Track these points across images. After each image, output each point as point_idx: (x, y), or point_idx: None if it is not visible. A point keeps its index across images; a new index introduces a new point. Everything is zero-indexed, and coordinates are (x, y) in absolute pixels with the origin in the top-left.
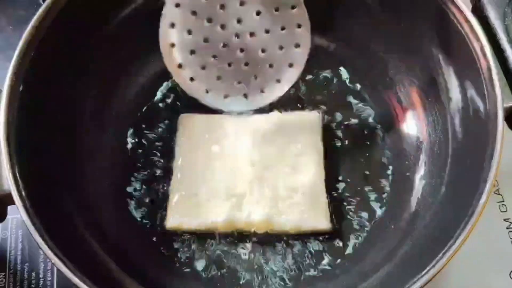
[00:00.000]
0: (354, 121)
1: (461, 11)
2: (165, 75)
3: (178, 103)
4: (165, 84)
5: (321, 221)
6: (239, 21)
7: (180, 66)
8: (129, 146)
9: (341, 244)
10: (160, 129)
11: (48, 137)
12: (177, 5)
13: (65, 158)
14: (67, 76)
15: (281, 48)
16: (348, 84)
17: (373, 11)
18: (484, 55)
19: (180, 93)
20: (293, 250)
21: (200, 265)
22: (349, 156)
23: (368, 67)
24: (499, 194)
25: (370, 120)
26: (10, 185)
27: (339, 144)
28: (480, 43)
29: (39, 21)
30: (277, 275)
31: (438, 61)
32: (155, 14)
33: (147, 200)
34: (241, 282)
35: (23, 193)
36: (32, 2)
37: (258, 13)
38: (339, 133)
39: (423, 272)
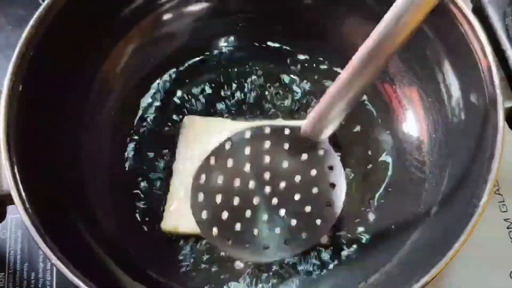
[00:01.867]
0: (353, 121)
1: (461, 11)
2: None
3: (186, 104)
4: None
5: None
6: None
7: (210, 224)
8: (131, 147)
9: (341, 244)
10: (166, 128)
11: (48, 137)
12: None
13: (65, 158)
14: (67, 76)
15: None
16: None
17: (372, 11)
18: (485, 55)
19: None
20: None
21: (202, 264)
22: (349, 156)
23: None
24: (499, 194)
25: (370, 120)
26: (9, 185)
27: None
28: (481, 43)
29: (39, 21)
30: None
31: (438, 61)
32: (157, 14)
33: (147, 200)
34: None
35: (23, 193)
36: (31, 1)
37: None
38: (339, 133)
39: (423, 273)
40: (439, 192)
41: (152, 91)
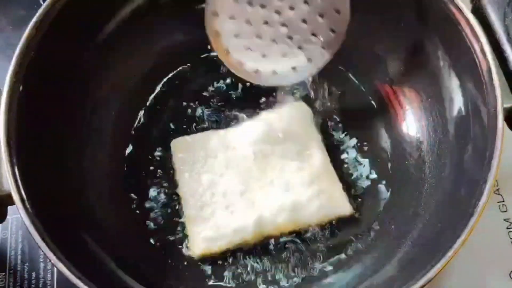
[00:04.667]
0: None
1: (461, 12)
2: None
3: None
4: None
5: (344, 207)
6: None
7: (227, 51)
8: (129, 148)
9: (341, 243)
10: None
11: (48, 137)
12: None
13: (65, 157)
14: (67, 77)
15: (321, 16)
16: None
17: (373, 12)
18: (484, 55)
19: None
20: (293, 251)
21: (208, 268)
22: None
23: (368, 67)
24: (499, 194)
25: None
26: (10, 185)
27: (337, 144)
28: (480, 43)
29: (40, 21)
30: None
31: (438, 61)
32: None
33: (148, 200)
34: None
35: (23, 193)
36: (32, 2)
37: None
38: (338, 132)
39: (423, 272)
40: (438, 192)
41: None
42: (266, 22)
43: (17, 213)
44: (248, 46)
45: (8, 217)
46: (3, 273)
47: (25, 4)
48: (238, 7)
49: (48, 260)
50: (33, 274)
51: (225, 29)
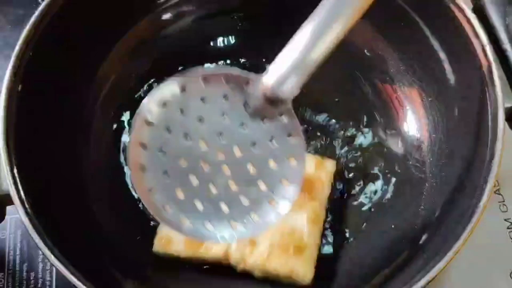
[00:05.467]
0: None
1: (461, 10)
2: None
3: None
4: None
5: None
6: (220, 134)
7: (150, 190)
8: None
9: (341, 243)
10: None
11: (47, 137)
12: (149, 124)
13: (64, 157)
14: (66, 76)
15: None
16: None
17: (373, 10)
18: (485, 54)
19: None
20: None
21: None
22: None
23: (367, 66)
24: (499, 194)
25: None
26: (9, 185)
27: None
28: (481, 43)
29: (38, 21)
30: None
31: (439, 60)
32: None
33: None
34: None
35: (22, 193)
36: (31, 1)
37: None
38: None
39: (424, 273)
40: (439, 192)
41: None
42: (205, 162)
43: (16, 213)
44: (179, 189)
45: (6, 217)
46: (2, 273)
47: (24, 4)
48: (172, 140)
49: (47, 260)
50: (32, 274)
51: (153, 163)
